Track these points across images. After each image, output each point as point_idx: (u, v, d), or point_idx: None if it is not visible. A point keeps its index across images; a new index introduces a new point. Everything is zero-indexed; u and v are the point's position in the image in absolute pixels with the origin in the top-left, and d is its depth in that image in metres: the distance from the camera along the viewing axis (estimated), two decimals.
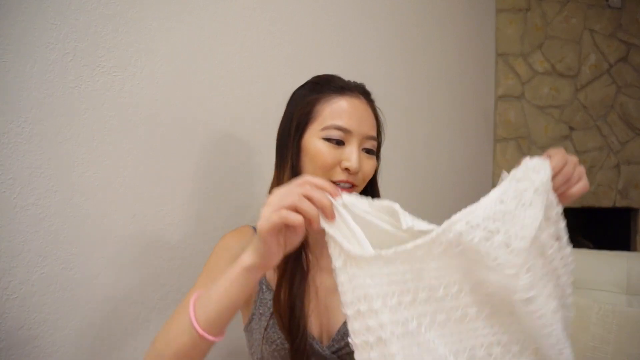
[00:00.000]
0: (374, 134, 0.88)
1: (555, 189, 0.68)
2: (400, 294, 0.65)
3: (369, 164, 0.86)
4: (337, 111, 0.84)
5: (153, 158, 1.09)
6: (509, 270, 0.64)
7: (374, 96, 0.94)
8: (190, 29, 1.16)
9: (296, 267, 0.85)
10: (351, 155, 0.83)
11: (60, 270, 0.95)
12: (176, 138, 1.14)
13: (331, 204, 0.64)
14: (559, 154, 0.68)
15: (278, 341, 0.83)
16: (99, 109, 1.00)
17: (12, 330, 0.89)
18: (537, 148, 2.49)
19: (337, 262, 0.64)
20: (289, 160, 0.86)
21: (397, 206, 0.69)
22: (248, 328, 0.89)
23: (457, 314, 0.67)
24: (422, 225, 0.68)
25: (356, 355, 0.64)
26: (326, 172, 0.83)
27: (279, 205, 0.61)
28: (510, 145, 2.44)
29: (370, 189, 0.93)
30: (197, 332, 0.66)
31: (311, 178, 0.64)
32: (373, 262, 0.65)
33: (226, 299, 0.66)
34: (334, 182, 0.83)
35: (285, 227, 0.63)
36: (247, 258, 0.65)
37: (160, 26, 1.10)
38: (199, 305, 0.68)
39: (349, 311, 0.65)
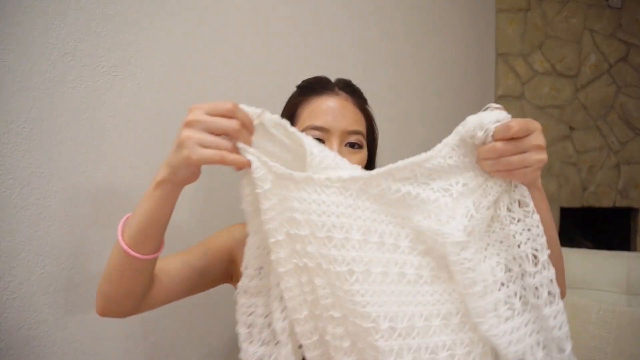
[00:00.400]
0: (357, 127, 0.87)
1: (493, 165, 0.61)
2: (331, 229, 0.62)
3: (354, 159, 0.86)
4: (314, 112, 0.86)
5: (153, 158, 1.09)
6: (445, 213, 0.61)
7: (374, 97, 0.95)
8: (190, 29, 1.16)
9: None
10: None
11: (60, 270, 0.95)
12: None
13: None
14: (520, 124, 0.58)
15: None
16: (99, 109, 1.00)
17: (12, 330, 0.89)
18: None
19: (265, 184, 0.60)
20: None
21: (310, 147, 0.64)
22: None
23: (394, 270, 0.63)
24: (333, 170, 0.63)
25: (286, 283, 0.62)
26: None
27: (217, 144, 0.60)
28: None
29: None
30: (123, 248, 0.69)
31: (228, 107, 0.61)
32: (303, 186, 0.62)
33: (144, 214, 0.68)
34: None
35: None
36: (161, 173, 0.66)
37: (160, 26, 1.10)
38: (126, 224, 0.71)
39: (279, 236, 0.61)
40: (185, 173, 0.64)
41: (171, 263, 0.82)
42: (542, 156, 0.59)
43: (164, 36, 1.11)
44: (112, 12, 1.02)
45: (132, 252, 0.69)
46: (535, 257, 0.62)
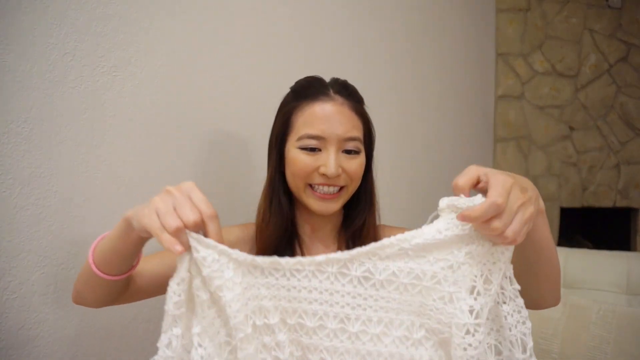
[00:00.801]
0: (354, 134, 0.86)
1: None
2: (303, 315, 0.57)
3: (352, 164, 0.86)
4: (309, 120, 0.85)
5: (153, 158, 1.09)
6: (447, 289, 0.55)
7: (374, 97, 0.94)
8: (190, 29, 1.16)
9: None
10: (327, 161, 0.84)
11: (60, 270, 0.95)
12: (176, 138, 1.14)
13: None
14: (502, 195, 0.54)
15: None
16: (99, 109, 1.00)
17: (12, 330, 0.89)
18: (537, 148, 2.49)
19: (226, 273, 0.54)
20: (274, 166, 0.91)
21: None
22: None
23: None
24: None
25: None
26: (305, 178, 0.86)
27: (166, 219, 0.56)
28: (510, 145, 2.44)
29: (364, 187, 0.93)
30: (89, 262, 0.72)
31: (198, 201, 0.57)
32: (270, 272, 0.57)
33: (111, 240, 0.69)
34: (312, 185, 0.86)
35: None
36: (130, 212, 0.64)
37: (160, 26, 1.10)
38: (99, 243, 0.73)
39: (247, 330, 0.54)
40: (137, 227, 0.61)
41: (149, 264, 0.83)
42: (531, 209, 0.57)
43: (164, 36, 1.11)
44: (112, 12, 1.02)
45: (94, 269, 0.71)
46: (523, 342, 0.57)
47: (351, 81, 0.94)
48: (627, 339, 1.35)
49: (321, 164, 0.84)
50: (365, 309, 0.58)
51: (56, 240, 0.95)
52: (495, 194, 0.54)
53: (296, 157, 0.85)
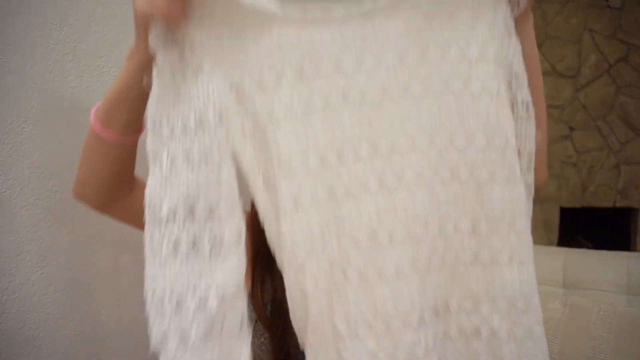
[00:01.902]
0: None
1: None
2: (360, 57, 0.54)
3: None
4: None
5: None
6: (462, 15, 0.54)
7: None
8: None
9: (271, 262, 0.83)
10: None
11: (60, 270, 0.95)
12: None
13: None
14: None
15: (265, 335, 0.83)
16: None
17: (12, 330, 0.89)
18: None
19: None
20: None
21: None
22: None
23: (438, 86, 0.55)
24: None
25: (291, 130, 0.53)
26: None
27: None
28: None
29: None
30: (92, 122, 0.67)
31: None
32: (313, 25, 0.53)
33: (113, 88, 0.66)
34: None
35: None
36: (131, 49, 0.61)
37: None
38: (100, 105, 0.69)
39: (289, 76, 0.53)
40: (137, 33, 0.57)
41: None
42: None
43: None
44: (112, 12, 1.02)
45: (98, 126, 0.67)
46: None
47: None
48: (627, 339, 1.35)
49: None
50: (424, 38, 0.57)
51: (56, 241, 0.94)
52: None
53: None
